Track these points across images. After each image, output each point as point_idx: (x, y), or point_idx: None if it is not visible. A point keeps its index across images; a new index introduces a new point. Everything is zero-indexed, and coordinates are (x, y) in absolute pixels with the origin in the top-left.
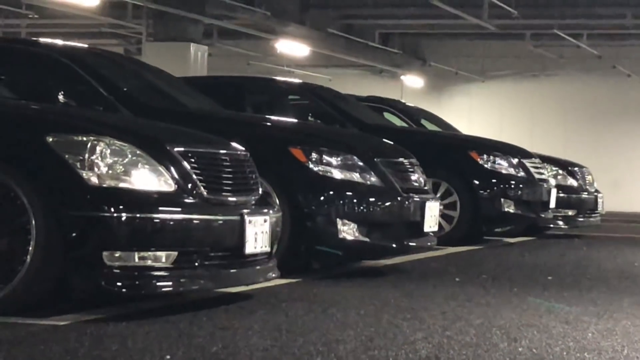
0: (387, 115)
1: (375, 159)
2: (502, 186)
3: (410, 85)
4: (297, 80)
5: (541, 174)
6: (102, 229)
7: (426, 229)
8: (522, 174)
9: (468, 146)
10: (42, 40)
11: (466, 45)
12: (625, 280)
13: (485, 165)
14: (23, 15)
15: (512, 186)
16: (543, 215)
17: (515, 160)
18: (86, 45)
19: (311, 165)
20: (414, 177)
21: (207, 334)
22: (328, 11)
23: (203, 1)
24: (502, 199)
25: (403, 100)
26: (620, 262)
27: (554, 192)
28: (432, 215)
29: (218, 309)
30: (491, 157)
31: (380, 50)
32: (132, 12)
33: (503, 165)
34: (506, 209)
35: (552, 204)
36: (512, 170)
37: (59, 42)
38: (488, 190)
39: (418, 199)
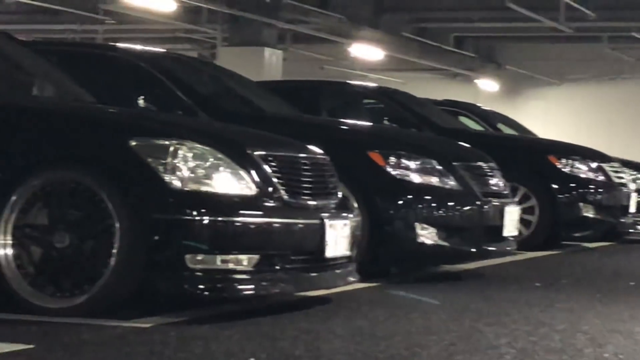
0: (462, 119)
1: (453, 163)
2: (581, 190)
3: (485, 89)
4: (372, 84)
5: (621, 178)
6: (185, 233)
7: (505, 233)
8: (601, 178)
9: (546, 150)
10: (121, 45)
11: (542, 48)
12: None
13: (564, 169)
14: (100, 21)
15: (591, 190)
16: (623, 220)
17: (594, 164)
18: (164, 50)
19: (389, 169)
20: (493, 181)
21: (290, 337)
22: (402, 15)
23: (277, 6)
24: (581, 204)
25: (479, 104)
26: None
27: (634, 196)
28: (511, 220)
29: (299, 313)
30: (570, 161)
31: (455, 54)
32: (207, 17)
33: (582, 169)
34: (585, 214)
35: (632, 209)
36: (591, 174)
37: (137, 47)
38: (567, 195)
39: (497, 203)
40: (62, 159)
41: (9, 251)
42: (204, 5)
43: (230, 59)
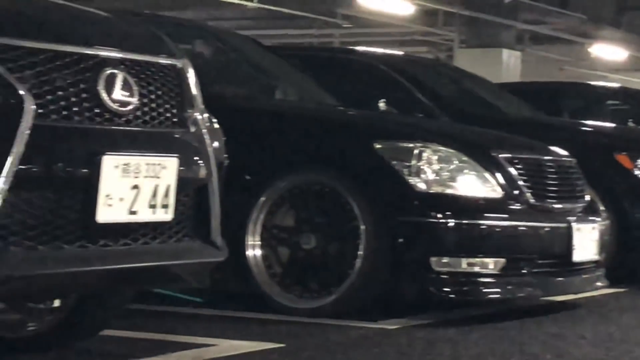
0: None
1: None
2: None
3: None
4: (615, 85)
5: None
6: (430, 235)
7: None
8: None
9: None
10: (360, 48)
11: None
12: None
13: None
14: (337, 25)
15: None
16: None
17: None
18: (403, 53)
19: (638, 172)
20: None
21: (539, 342)
22: None
23: (516, 6)
24: None
25: None
26: None
27: None
28: None
29: (546, 317)
30: None
31: None
32: (444, 20)
33: None
34: None
35: None
36: None
37: (376, 50)
38: None
39: None
40: (307, 162)
41: (258, 252)
42: (441, 8)
43: (467, 61)
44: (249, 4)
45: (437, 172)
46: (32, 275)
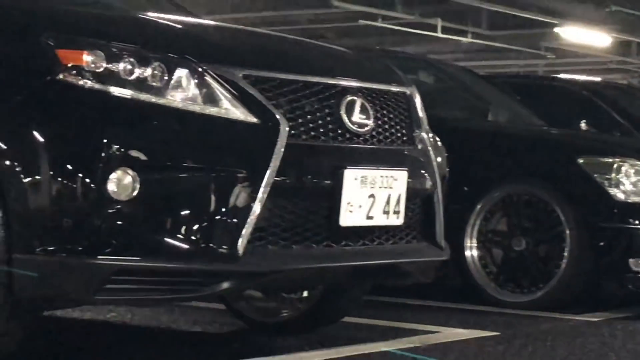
0: None
1: None
2: None
3: None
4: None
5: None
6: (629, 239)
7: None
8: None
9: None
10: (563, 76)
11: None
12: None
13: None
14: (541, 56)
15: None
16: None
17: None
18: (600, 79)
19: None
20: None
21: None
22: None
23: None
24: None
25: None
26: None
27: None
28: None
29: None
30: None
31: None
32: (637, 49)
33: None
34: None
35: None
36: None
37: (576, 77)
38: None
39: None
40: (518, 174)
41: (475, 253)
42: (635, 39)
43: None
44: (463, 39)
45: (634, 184)
46: (288, 269)
